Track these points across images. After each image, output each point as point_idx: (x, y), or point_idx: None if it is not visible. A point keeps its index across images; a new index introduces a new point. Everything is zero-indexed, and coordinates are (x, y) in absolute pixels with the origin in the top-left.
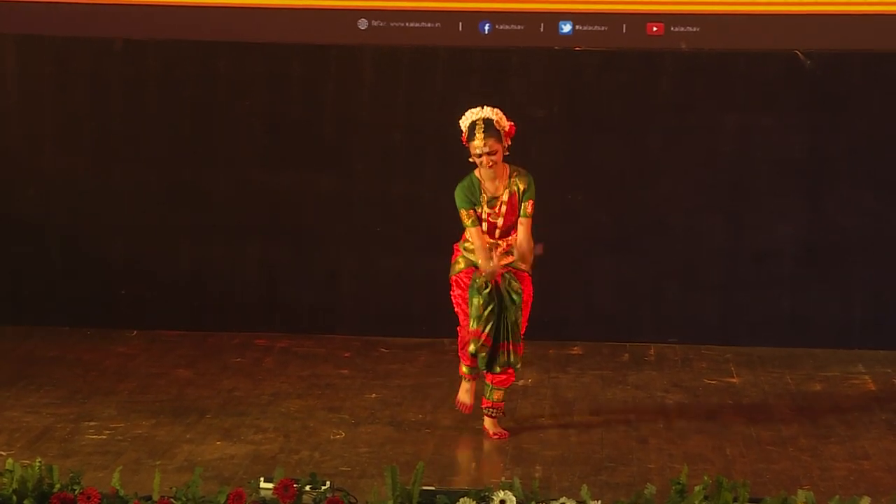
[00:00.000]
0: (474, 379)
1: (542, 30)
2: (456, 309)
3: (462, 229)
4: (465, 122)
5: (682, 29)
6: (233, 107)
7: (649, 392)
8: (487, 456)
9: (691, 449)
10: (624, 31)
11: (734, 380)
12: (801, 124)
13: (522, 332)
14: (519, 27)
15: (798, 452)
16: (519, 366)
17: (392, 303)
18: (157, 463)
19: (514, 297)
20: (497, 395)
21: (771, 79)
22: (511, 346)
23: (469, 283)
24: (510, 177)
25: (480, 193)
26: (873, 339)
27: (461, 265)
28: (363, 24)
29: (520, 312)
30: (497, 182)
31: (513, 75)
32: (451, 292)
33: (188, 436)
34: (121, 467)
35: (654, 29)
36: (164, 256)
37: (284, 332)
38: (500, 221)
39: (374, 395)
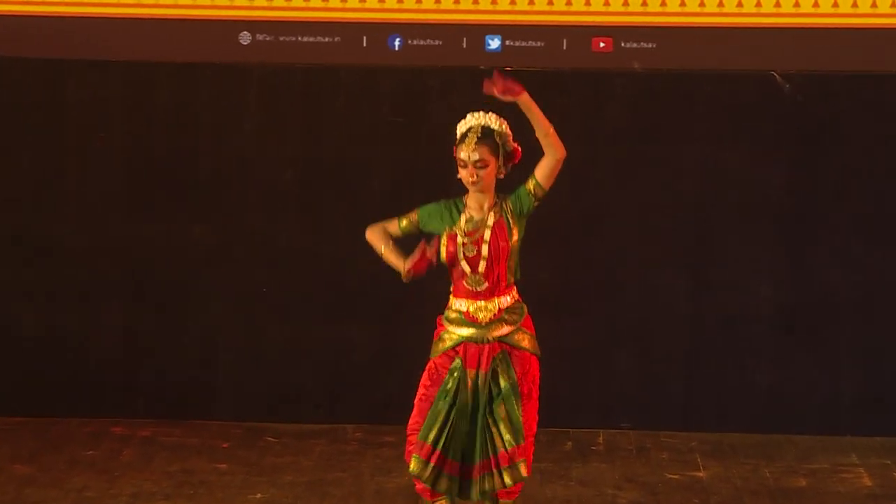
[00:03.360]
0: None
1: (464, 46)
2: (417, 399)
3: (447, 296)
4: (461, 127)
5: (635, 45)
6: (85, 139)
7: (598, 489)
8: None
9: None
10: (565, 47)
11: (700, 473)
12: (779, 160)
13: (532, 431)
14: (437, 42)
15: None
16: (525, 474)
17: (282, 381)
18: None
19: (503, 386)
20: None
21: (742, 105)
22: (502, 461)
23: (446, 373)
24: (498, 203)
25: (460, 213)
26: (867, 424)
27: (445, 344)
28: (245, 38)
29: (515, 405)
30: (484, 206)
31: (430, 100)
32: (422, 378)
33: None
34: None
35: (602, 45)
36: (0, 324)
37: (148, 418)
38: (485, 251)
39: (258, 495)
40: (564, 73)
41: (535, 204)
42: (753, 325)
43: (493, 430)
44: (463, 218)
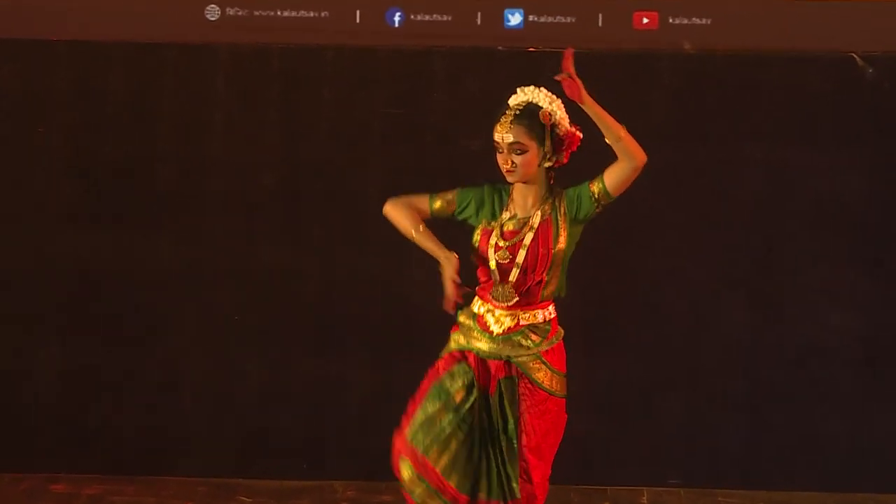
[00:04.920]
0: None
1: (478, 22)
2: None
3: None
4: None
5: (686, 21)
6: (21, 134)
7: None
8: None
9: None
10: (600, 23)
11: None
12: (859, 160)
13: (544, 474)
14: (445, 17)
15: None
16: None
17: (258, 427)
18: None
19: (512, 415)
20: None
21: (815, 94)
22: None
23: (452, 364)
24: (548, 199)
25: (503, 206)
26: None
27: (452, 345)
28: (214, 12)
29: (520, 439)
30: (529, 200)
31: (436, 87)
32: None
33: None
34: None
35: (645, 21)
36: None
37: (96, 473)
38: (520, 258)
39: None
40: (600, 55)
41: (597, 210)
42: (828, 362)
43: (508, 468)
44: (506, 214)
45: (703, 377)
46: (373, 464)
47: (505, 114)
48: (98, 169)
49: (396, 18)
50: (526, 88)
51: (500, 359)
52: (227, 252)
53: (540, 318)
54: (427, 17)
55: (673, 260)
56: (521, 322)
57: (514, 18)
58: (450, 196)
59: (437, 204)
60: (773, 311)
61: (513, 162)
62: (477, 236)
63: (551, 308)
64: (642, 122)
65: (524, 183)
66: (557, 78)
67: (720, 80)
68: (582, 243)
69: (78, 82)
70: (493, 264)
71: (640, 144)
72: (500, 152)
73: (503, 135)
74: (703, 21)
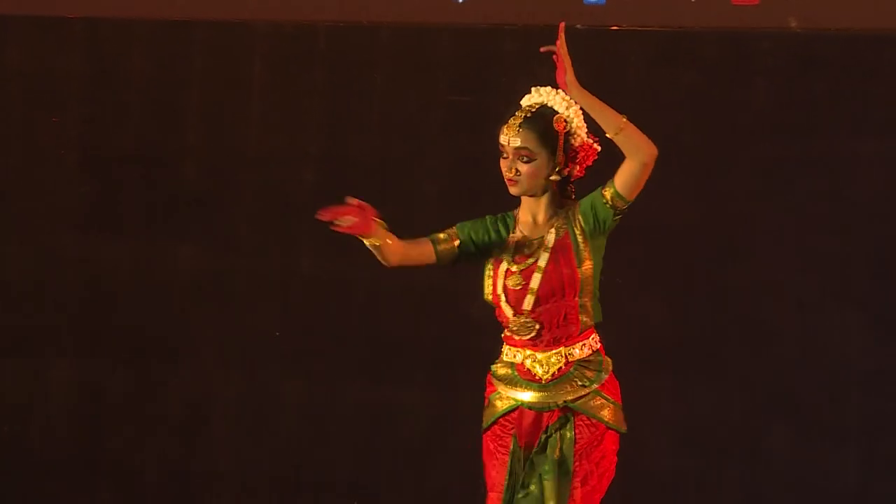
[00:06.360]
0: None
1: None
2: (487, 480)
3: (498, 342)
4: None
5: None
6: (30, 124)
7: None
8: None
9: None
10: None
11: None
12: None
13: None
14: None
15: None
16: None
17: (299, 462)
18: None
19: (547, 460)
20: None
21: None
22: None
23: (507, 441)
24: (561, 215)
25: (509, 231)
26: None
27: (496, 408)
28: None
29: (558, 488)
30: (539, 218)
31: (505, 71)
32: (485, 465)
33: None
34: None
35: None
36: None
37: None
38: (535, 282)
39: None
40: (692, 34)
41: (616, 218)
42: None
43: None
44: (513, 237)
45: (812, 406)
46: (435, 500)
47: (515, 115)
48: (117, 164)
49: None
50: (542, 89)
51: (553, 408)
52: (264, 260)
53: (588, 350)
54: None
55: (776, 271)
56: (570, 360)
57: None
58: (450, 230)
59: (441, 239)
60: (893, 329)
61: (517, 170)
62: (489, 271)
63: (596, 336)
64: (741, 111)
65: (531, 197)
66: (544, 50)
67: (831, 62)
68: (669, 252)
69: (96, 65)
70: (500, 293)
71: (738, 139)
72: (503, 157)
73: (510, 138)
74: None
